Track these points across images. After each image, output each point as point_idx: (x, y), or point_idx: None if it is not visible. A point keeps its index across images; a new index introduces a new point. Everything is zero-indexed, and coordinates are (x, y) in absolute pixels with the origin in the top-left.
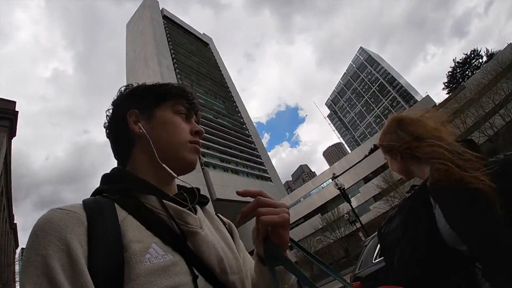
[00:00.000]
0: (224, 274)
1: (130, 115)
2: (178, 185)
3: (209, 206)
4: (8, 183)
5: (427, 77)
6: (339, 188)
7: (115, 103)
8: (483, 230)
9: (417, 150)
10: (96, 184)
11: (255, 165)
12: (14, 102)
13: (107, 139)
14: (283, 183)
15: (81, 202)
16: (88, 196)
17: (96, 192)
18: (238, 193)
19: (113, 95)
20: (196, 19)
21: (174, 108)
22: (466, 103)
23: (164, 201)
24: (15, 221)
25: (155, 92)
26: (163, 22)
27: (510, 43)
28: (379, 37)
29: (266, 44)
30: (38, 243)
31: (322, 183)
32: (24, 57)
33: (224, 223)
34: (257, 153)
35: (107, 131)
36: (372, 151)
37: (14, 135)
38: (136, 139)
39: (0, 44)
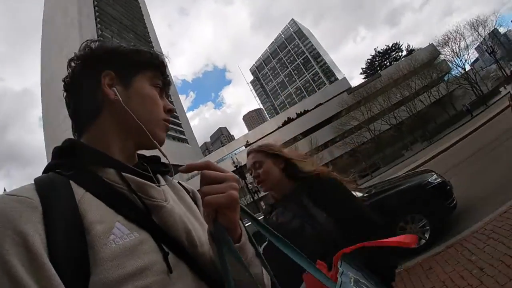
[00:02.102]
0: (194, 247)
1: (105, 76)
2: (138, 154)
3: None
4: None
5: (354, 56)
6: (235, 166)
7: (85, 57)
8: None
9: (297, 167)
10: (11, 138)
11: (172, 126)
12: None
13: (23, 89)
14: (201, 144)
15: (33, 182)
16: (1, 150)
17: (48, 168)
18: (181, 171)
19: (34, 40)
20: None
21: (153, 81)
22: (375, 92)
23: (124, 174)
24: None
25: (138, 57)
26: None
27: (431, 43)
28: (315, 12)
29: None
30: None
31: (235, 150)
32: None
33: (188, 191)
34: (175, 113)
35: (67, 88)
36: (285, 123)
37: None
38: (105, 104)
39: None
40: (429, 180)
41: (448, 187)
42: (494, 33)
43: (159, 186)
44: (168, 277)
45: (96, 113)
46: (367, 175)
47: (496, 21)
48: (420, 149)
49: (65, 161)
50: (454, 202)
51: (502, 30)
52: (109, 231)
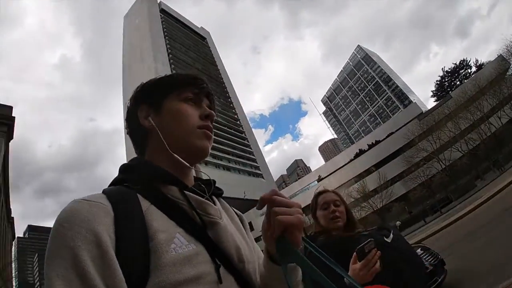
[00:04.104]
0: (241, 263)
1: (141, 110)
2: (194, 176)
3: None
4: (6, 182)
5: (428, 75)
6: None
7: (129, 101)
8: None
9: (353, 223)
10: (100, 172)
11: (247, 161)
12: (11, 107)
13: (113, 128)
14: (278, 177)
15: (102, 193)
16: (91, 184)
17: (116, 182)
18: (258, 208)
19: (119, 85)
20: (206, 11)
21: (181, 96)
22: (443, 119)
23: (185, 191)
24: (12, 215)
25: (162, 84)
26: (160, 15)
27: (500, 54)
28: (383, 35)
29: (273, 37)
30: (65, 235)
31: (308, 185)
32: (31, 43)
33: (237, 215)
34: (250, 149)
35: (126, 127)
36: (357, 155)
37: (12, 138)
38: (148, 132)
39: (8, 29)
40: None
41: (429, 270)
42: None
43: (215, 205)
44: (218, 287)
45: (145, 141)
46: (437, 211)
47: None
48: (492, 178)
49: (132, 176)
50: (438, 282)
51: None
52: (171, 240)
